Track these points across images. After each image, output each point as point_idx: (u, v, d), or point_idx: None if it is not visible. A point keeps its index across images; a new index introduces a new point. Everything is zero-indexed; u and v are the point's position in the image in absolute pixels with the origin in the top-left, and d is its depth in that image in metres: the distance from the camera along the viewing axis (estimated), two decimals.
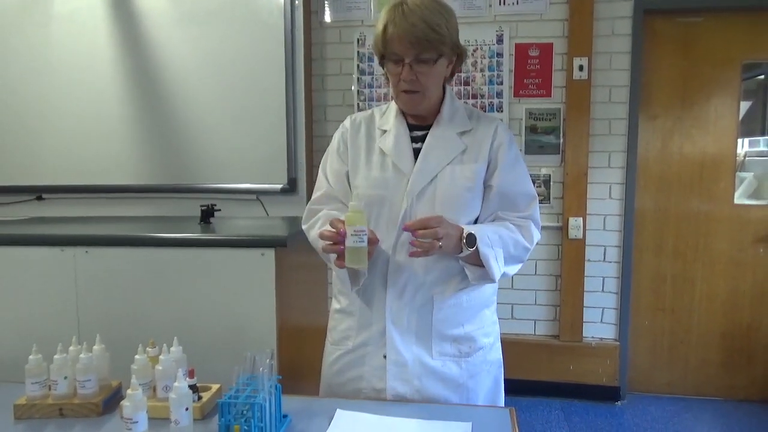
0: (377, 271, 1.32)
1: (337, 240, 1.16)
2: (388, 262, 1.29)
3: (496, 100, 3.09)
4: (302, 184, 3.01)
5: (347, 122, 1.44)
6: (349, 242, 1.15)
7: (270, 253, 1.95)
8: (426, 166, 1.28)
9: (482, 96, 3.09)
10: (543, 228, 3.09)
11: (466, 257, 1.23)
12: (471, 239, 1.20)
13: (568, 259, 3.14)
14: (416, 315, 1.30)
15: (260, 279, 1.96)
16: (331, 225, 1.19)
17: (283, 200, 3.04)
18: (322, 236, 1.19)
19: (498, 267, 1.24)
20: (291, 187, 3.01)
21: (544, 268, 3.20)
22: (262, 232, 2.16)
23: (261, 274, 1.96)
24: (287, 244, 1.94)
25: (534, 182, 2.98)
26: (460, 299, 1.32)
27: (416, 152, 1.33)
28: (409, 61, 1.24)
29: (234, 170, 2.98)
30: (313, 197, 1.41)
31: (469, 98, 3.08)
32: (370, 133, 1.39)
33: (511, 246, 1.27)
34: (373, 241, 1.19)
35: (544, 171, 3.12)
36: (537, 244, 1.38)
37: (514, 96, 3.10)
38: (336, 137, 1.44)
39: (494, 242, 1.23)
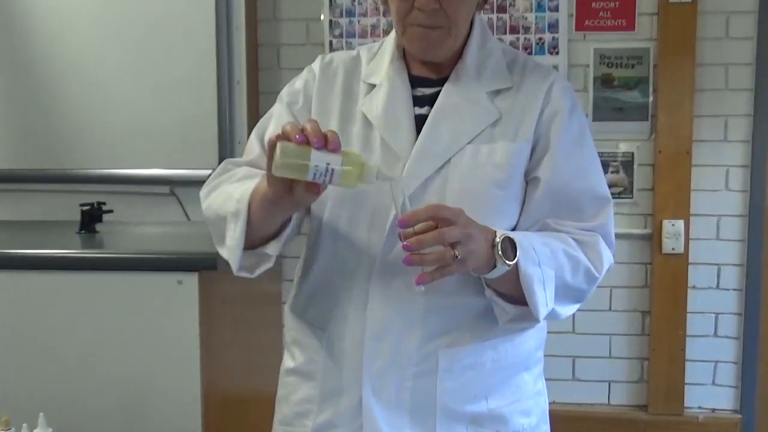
0: (350, 308, 1.36)
1: (298, 139, 1.13)
2: (366, 295, 1.34)
3: (547, 36, 3.13)
4: None
5: (316, 64, 1.47)
6: (316, 156, 1.13)
7: (191, 280, 2.05)
8: (432, 144, 1.32)
9: (526, 30, 3.13)
10: (623, 237, 3.16)
11: (497, 281, 1.25)
12: (508, 248, 1.23)
13: (661, 286, 3.18)
14: (411, 382, 1.34)
15: (176, 320, 2.05)
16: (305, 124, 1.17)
17: None
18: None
19: (545, 298, 1.26)
20: None
21: (623, 299, 3.24)
22: (180, 247, 2.28)
23: (177, 312, 2.05)
24: (218, 266, 2.03)
25: (607, 167, 3.13)
26: (483, 357, 1.36)
27: (420, 122, 1.36)
28: None
29: (133, 149, 3.04)
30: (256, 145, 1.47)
31: (506, 33, 3.14)
32: (350, 88, 1.42)
33: (568, 270, 1.30)
34: (312, 191, 1.17)
35: (623, 147, 3.16)
36: (609, 270, 1.41)
37: (576, 29, 3.14)
38: (295, 84, 1.47)
39: (544, 259, 1.26)
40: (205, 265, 2.04)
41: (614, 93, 3.12)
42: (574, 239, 1.34)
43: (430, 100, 1.37)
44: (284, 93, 1.47)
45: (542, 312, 1.26)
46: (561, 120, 1.36)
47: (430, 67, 1.40)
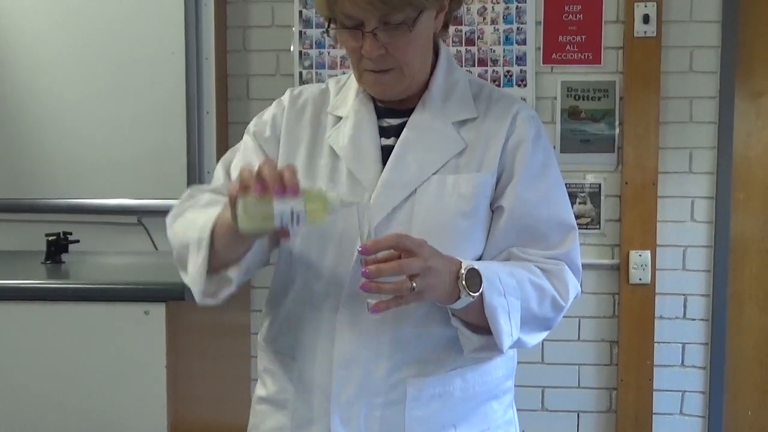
0: (318, 338, 1.37)
1: (258, 186, 1.13)
2: (334, 325, 1.36)
3: (515, 69, 3.15)
4: None
5: (286, 97, 1.49)
6: (278, 206, 1.13)
7: (158, 311, 2.04)
8: (399, 175, 1.33)
9: (494, 62, 3.16)
10: (591, 267, 3.16)
11: (463, 311, 1.27)
12: (472, 280, 1.24)
13: (628, 317, 3.19)
14: (379, 411, 1.35)
15: (143, 351, 2.03)
16: (267, 166, 1.16)
17: None
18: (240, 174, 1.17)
19: (509, 328, 1.27)
20: None
21: (591, 330, 3.25)
22: (147, 277, 2.25)
23: (144, 343, 2.03)
24: (186, 296, 1.99)
25: (575, 198, 3.15)
26: (451, 386, 1.37)
27: (387, 153, 1.38)
28: (372, 29, 1.27)
29: (101, 178, 3.01)
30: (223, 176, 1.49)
31: (474, 66, 3.16)
32: (318, 121, 1.44)
33: (534, 299, 1.32)
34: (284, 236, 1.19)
35: (590, 179, 3.18)
36: (576, 297, 1.42)
37: (543, 62, 3.17)
38: (263, 116, 1.49)
39: (509, 289, 1.28)
40: (172, 295, 2.03)
41: (581, 125, 3.14)
42: (540, 268, 1.35)
43: (397, 131, 1.38)
44: (252, 124, 1.49)
45: (506, 342, 1.27)
46: (525, 149, 1.37)
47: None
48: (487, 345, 1.29)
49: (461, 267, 1.24)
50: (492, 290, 1.25)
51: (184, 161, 2.99)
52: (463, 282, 1.22)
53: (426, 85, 1.40)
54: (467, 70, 3.01)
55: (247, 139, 1.48)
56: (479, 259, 1.36)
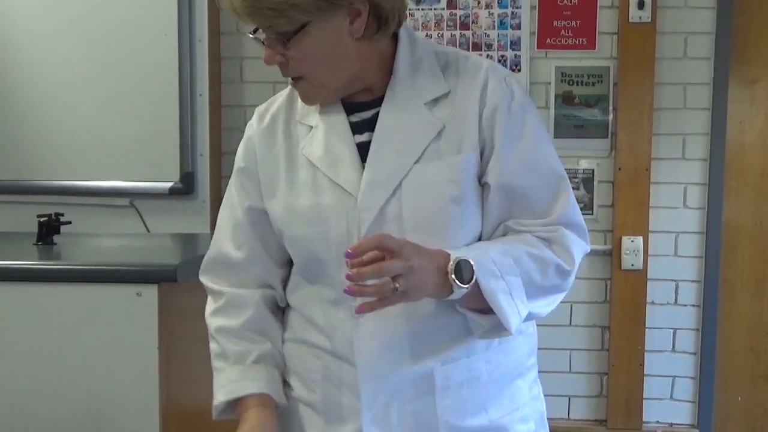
0: (336, 338, 1.38)
1: None
2: (350, 327, 1.35)
3: (509, 54, 3.16)
4: (203, 180, 3.07)
5: (254, 118, 1.48)
6: None
7: (151, 293, 2.01)
8: (380, 171, 1.32)
9: (489, 47, 3.17)
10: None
11: (464, 301, 1.26)
12: (464, 270, 1.22)
13: (620, 302, 3.21)
14: (411, 404, 1.35)
15: (135, 332, 2.00)
16: None
17: (172, 207, 3.07)
18: None
19: (515, 308, 1.27)
20: (185, 187, 3.05)
21: (583, 315, 3.26)
22: (139, 259, 2.23)
23: (136, 324, 2.01)
24: (178, 278, 1.99)
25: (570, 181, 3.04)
26: (477, 370, 1.36)
27: (364, 150, 1.34)
28: (263, 39, 1.28)
29: (93, 160, 3.02)
30: (213, 242, 1.49)
31: (468, 50, 3.13)
32: (290, 131, 1.42)
33: (536, 271, 1.30)
34: None
35: (583, 164, 3.20)
36: (585, 255, 1.38)
37: (538, 47, 3.17)
38: (241, 146, 1.49)
39: (506, 269, 1.27)
40: (164, 276, 2.01)
41: (575, 110, 3.15)
42: (539, 237, 1.33)
43: (370, 125, 1.35)
44: (237, 157, 1.48)
45: (514, 322, 1.26)
46: (500, 117, 1.32)
47: (362, 90, 1.38)
48: (497, 326, 1.28)
49: (449, 259, 1.23)
50: (487, 275, 1.24)
51: (177, 144, 2.99)
52: (452, 275, 1.22)
53: (391, 71, 1.36)
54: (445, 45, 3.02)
55: (233, 181, 1.47)
56: (480, 238, 1.36)
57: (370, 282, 1.17)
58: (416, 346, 1.33)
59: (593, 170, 3.18)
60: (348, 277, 1.16)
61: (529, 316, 1.31)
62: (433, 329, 1.33)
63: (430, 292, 1.22)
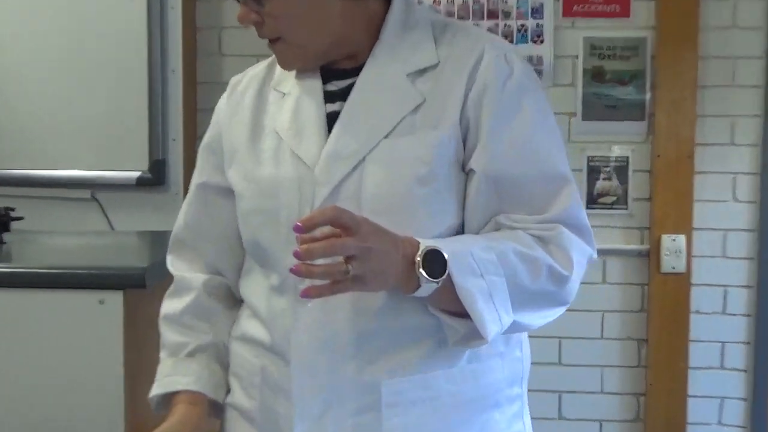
0: (276, 333, 1.39)
1: None
2: (289, 318, 1.36)
3: (530, 23, 3.15)
4: (175, 169, 3.06)
5: (225, 92, 1.55)
6: None
7: (115, 300, 2.01)
8: (344, 144, 1.34)
9: (506, 15, 3.15)
10: (616, 254, 3.19)
11: (435, 299, 1.25)
12: (434, 262, 1.21)
13: (660, 311, 3.20)
14: (351, 419, 1.34)
15: (97, 345, 2.00)
16: None
17: (140, 200, 3.07)
18: None
19: (495, 313, 1.24)
20: (155, 177, 3.05)
21: (616, 326, 3.26)
22: (102, 261, 2.22)
23: (98, 336, 2.00)
24: (147, 283, 2.01)
25: (598, 174, 3.17)
26: (437, 389, 1.35)
27: (334, 120, 1.38)
28: None
29: (49, 146, 3.01)
30: (180, 216, 1.58)
31: (483, 19, 3.15)
32: (261, 99, 1.47)
33: (524, 273, 1.28)
34: None
35: (616, 151, 3.20)
36: (590, 261, 1.39)
37: (563, 15, 3.17)
38: (212, 119, 1.56)
39: (488, 266, 1.25)
40: (131, 282, 2.01)
41: (606, 89, 3.14)
42: (533, 235, 1.32)
43: (345, 94, 1.38)
44: (206, 134, 1.56)
45: (492, 329, 1.24)
46: (490, 96, 1.32)
47: (347, 57, 1.40)
48: (473, 333, 1.26)
49: (418, 248, 1.22)
50: (462, 271, 1.23)
51: (146, 127, 2.98)
52: (420, 267, 1.21)
53: (377, 37, 1.39)
54: (475, 23, 3.04)
55: (198, 160, 1.56)
56: (458, 233, 1.35)
57: (320, 262, 1.17)
58: (362, 349, 1.32)
59: (627, 158, 3.17)
60: (295, 255, 1.15)
61: (515, 327, 1.29)
62: (385, 331, 1.32)
63: (391, 283, 1.22)
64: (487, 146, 1.32)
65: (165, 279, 1.60)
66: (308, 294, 1.18)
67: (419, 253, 1.21)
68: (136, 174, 3.04)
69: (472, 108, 1.32)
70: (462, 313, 1.25)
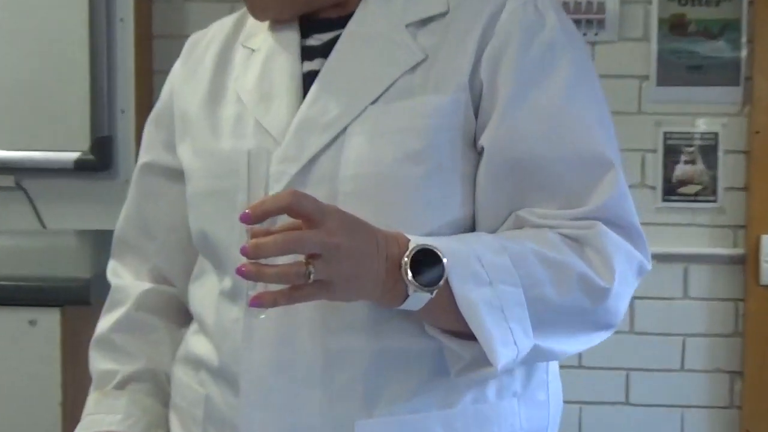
0: (225, 354, 1.37)
1: None
2: (240, 334, 1.36)
3: None
4: (125, 149, 3.10)
5: (184, 51, 1.60)
6: None
7: (50, 321, 2.05)
8: (319, 112, 1.35)
9: None
10: (702, 260, 3.18)
11: (430, 314, 1.25)
12: (427, 265, 1.20)
13: (758, 334, 3.17)
14: None
15: (26, 379, 2.05)
16: None
17: (79, 189, 3.08)
18: None
19: (507, 332, 1.23)
20: (99, 159, 3.06)
21: (701, 354, 3.23)
22: (32, 269, 2.29)
23: (29, 366, 2.05)
24: (92, 298, 2.06)
25: (678, 155, 3.15)
26: None
27: (311, 81, 1.40)
28: None
29: None
30: (123, 208, 1.64)
31: None
32: (226, 58, 1.51)
33: (548, 282, 1.27)
34: None
35: (702, 126, 3.20)
36: (642, 272, 1.35)
37: None
38: (165, 86, 1.63)
39: (498, 272, 1.25)
40: (70, 297, 2.04)
41: (689, 44, 3.14)
42: (563, 234, 1.30)
43: (325, 50, 1.40)
44: (156, 104, 1.60)
45: (503, 354, 1.21)
46: (512, 53, 1.32)
47: (333, 4, 1.42)
48: (484, 359, 1.23)
49: (407, 247, 1.19)
50: (464, 277, 1.20)
51: (86, 94, 3.00)
52: (408, 272, 1.17)
53: None
54: None
55: (144, 136, 1.61)
56: (465, 232, 1.33)
57: (275, 261, 1.14)
58: (332, 377, 1.31)
59: (717, 134, 3.17)
60: (242, 252, 1.12)
61: (538, 354, 1.27)
62: (363, 354, 1.31)
63: (367, 291, 1.19)
64: (506, 118, 1.30)
65: None
66: (259, 302, 1.15)
67: (408, 252, 1.17)
68: (73, 155, 3.04)
69: (487, 68, 1.32)
70: (467, 334, 1.22)
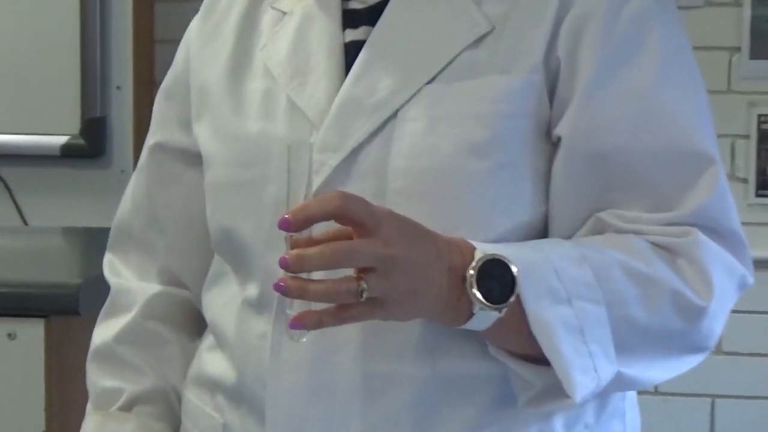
0: (248, 374, 1.36)
1: None
2: (266, 354, 1.34)
3: None
4: (121, 133, 3.10)
5: (202, 9, 1.56)
6: None
7: (33, 333, 2.08)
8: (366, 90, 1.33)
9: None
10: None
11: (493, 334, 1.23)
12: (496, 278, 1.18)
13: None
14: None
15: (8, 397, 2.07)
16: None
17: (68, 180, 3.10)
18: None
19: (588, 359, 1.23)
20: (90, 145, 3.07)
21: None
22: (13, 274, 2.29)
23: (9, 385, 2.08)
24: (81, 309, 2.08)
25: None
26: None
27: (355, 53, 1.37)
28: None
29: None
30: (126, 195, 1.63)
31: None
32: (250, 24, 1.49)
33: (634, 300, 1.26)
34: None
35: None
36: (743, 287, 1.34)
37: None
38: (176, 55, 1.61)
39: (577, 287, 1.23)
40: (57, 306, 2.07)
41: None
42: (653, 243, 1.28)
43: (372, 16, 1.38)
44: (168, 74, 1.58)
45: (582, 384, 1.21)
46: (598, 25, 1.30)
47: None
48: (557, 388, 1.21)
49: (473, 257, 1.17)
50: (538, 293, 1.20)
51: (76, 68, 3.01)
52: (474, 285, 1.15)
53: None
54: None
55: (155, 110, 1.58)
56: (535, 237, 1.32)
57: (318, 275, 1.12)
58: (375, 408, 1.30)
59: None
60: (282, 264, 1.10)
61: (620, 383, 1.26)
62: (412, 382, 1.29)
63: (426, 309, 1.17)
64: (588, 103, 1.28)
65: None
66: (302, 323, 1.12)
67: (474, 263, 1.15)
68: (60, 140, 3.06)
69: (566, 44, 1.30)
70: (538, 358, 1.21)
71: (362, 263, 1.11)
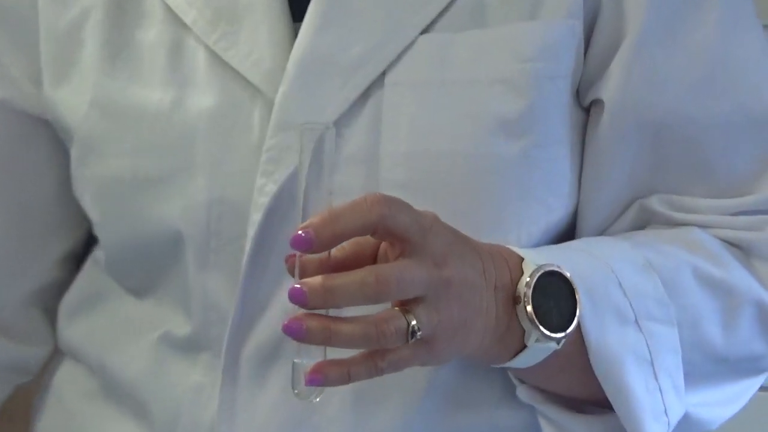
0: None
1: None
2: (204, 411, 1.25)
3: None
4: None
5: None
6: None
7: None
8: (333, 39, 1.17)
9: None
10: None
11: (533, 373, 1.13)
12: (553, 296, 1.05)
13: None
14: None
15: None
16: None
17: None
18: None
19: (657, 396, 1.13)
20: None
21: None
22: None
23: None
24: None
25: None
26: None
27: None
28: None
29: None
30: None
31: None
32: None
33: (713, 314, 1.18)
34: None
35: None
36: None
37: None
38: None
39: (645, 301, 1.14)
40: None
41: None
42: (723, 239, 1.21)
43: None
44: None
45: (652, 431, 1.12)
46: None
47: None
48: None
49: (522, 269, 1.04)
50: (601, 313, 1.09)
51: None
52: (529, 308, 1.01)
53: None
54: None
55: None
56: (576, 233, 1.24)
57: (348, 313, 0.93)
58: None
59: None
60: (293, 297, 0.91)
61: (685, 424, 1.17)
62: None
63: (471, 344, 1.02)
64: (639, 61, 1.17)
65: None
66: (320, 379, 0.94)
67: (527, 278, 1.01)
68: None
69: None
70: (586, 400, 1.14)
71: (415, 292, 0.92)
